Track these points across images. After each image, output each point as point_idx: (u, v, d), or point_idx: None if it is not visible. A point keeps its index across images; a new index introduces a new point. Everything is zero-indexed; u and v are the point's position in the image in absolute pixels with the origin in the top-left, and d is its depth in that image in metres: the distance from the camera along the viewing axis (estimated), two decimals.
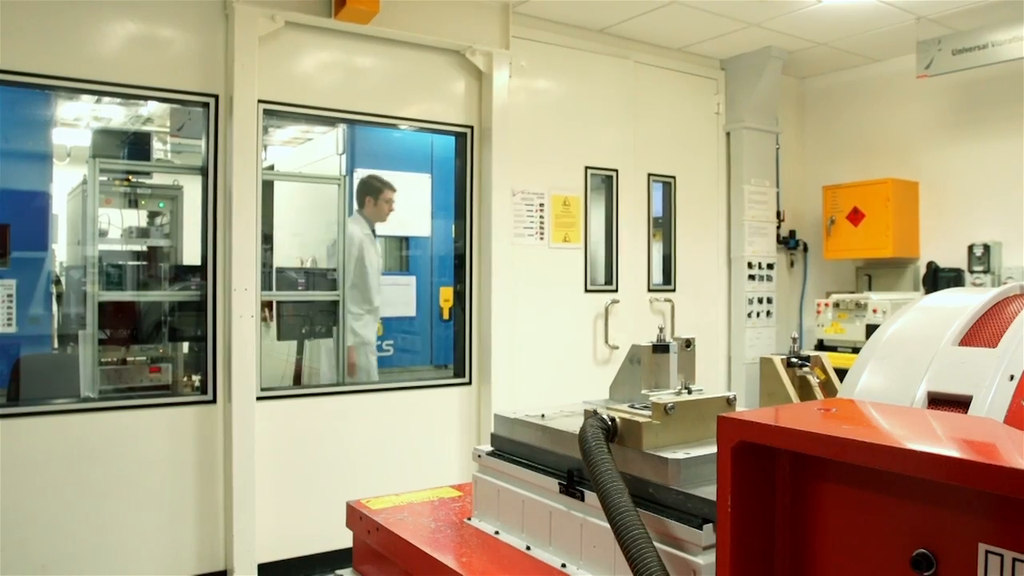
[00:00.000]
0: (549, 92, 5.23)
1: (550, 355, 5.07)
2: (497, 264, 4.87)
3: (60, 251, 5.30)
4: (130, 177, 4.69)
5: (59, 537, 3.72)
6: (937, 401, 1.21)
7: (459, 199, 5.00)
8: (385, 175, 5.18)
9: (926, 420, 1.13)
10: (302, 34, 4.33)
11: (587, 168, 5.40)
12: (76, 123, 5.96)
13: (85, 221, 4.36)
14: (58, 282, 4.90)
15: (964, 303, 1.33)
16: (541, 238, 5.11)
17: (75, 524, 3.76)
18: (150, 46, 3.96)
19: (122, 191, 4.68)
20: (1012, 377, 1.13)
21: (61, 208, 5.47)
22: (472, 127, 4.93)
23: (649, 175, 5.71)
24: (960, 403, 1.17)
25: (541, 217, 5.09)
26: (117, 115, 5.57)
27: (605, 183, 5.52)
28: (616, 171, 5.48)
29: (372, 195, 5.18)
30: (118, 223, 4.76)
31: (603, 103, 5.42)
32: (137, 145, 4.84)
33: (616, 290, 5.44)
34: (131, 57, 3.91)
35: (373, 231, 5.16)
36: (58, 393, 4.01)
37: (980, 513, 0.90)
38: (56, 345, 4.71)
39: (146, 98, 4.22)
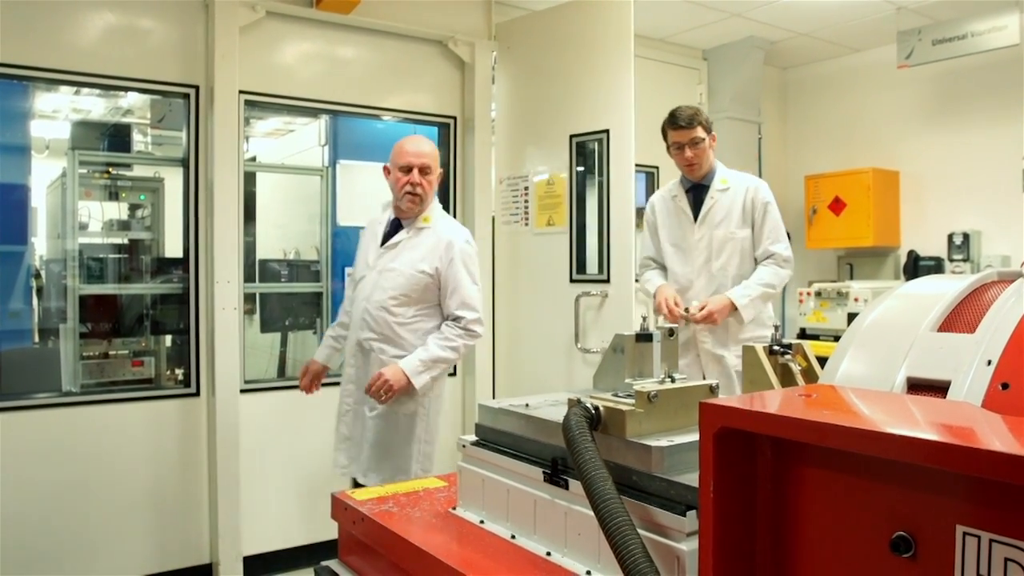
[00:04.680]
0: (530, 70, 4.94)
1: (535, 347, 5.03)
2: (481, 255, 4.86)
3: (40, 244, 5.24)
4: (110, 169, 4.65)
5: (42, 533, 3.70)
6: (916, 386, 1.22)
7: (443, 190, 4.99)
8: (369, 165, 4.97)
9: (905, 405, 1.14)
10: (283, 24, 4.31)
11: (572, 137, 4.66)
12: (55, 115, 5.89)
13: (65, 214, 4.32)
14: (38, 276, 4.85)
15: (943, 290, 1.34)
16: (526, 224, 4.97)
17: (58, 519, 3.74)
18: (130, 36, 3.93)
19: (102, 183, 4.64)
20: (989, 362, 1.14)
21: (40, 201, 5.41)
22: (455, 117, 4.92)
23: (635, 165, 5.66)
24: (939, 388, 1.18)
25: (526, 202, 4.97)
26: (96, 107, 5.52)
27: (594, 155, 4.62)
28: (607, 131, 4.49)
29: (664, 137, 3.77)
30: (98, 216, 4.72)
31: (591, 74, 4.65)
32: (117, 137, 4.80)
33: (608, 280, 4.46)
34: (110, 48, 3.87)
35: (689, 191, 3.72)
36: (39, 388, 3.97)
37: (958, 496, 0.92)
38: (37, 339, 4.66)
39: (126, 89, 4.17)
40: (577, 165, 4.69)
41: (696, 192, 3.71)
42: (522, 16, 5.05)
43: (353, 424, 3.30)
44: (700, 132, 3.58)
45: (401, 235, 3.22)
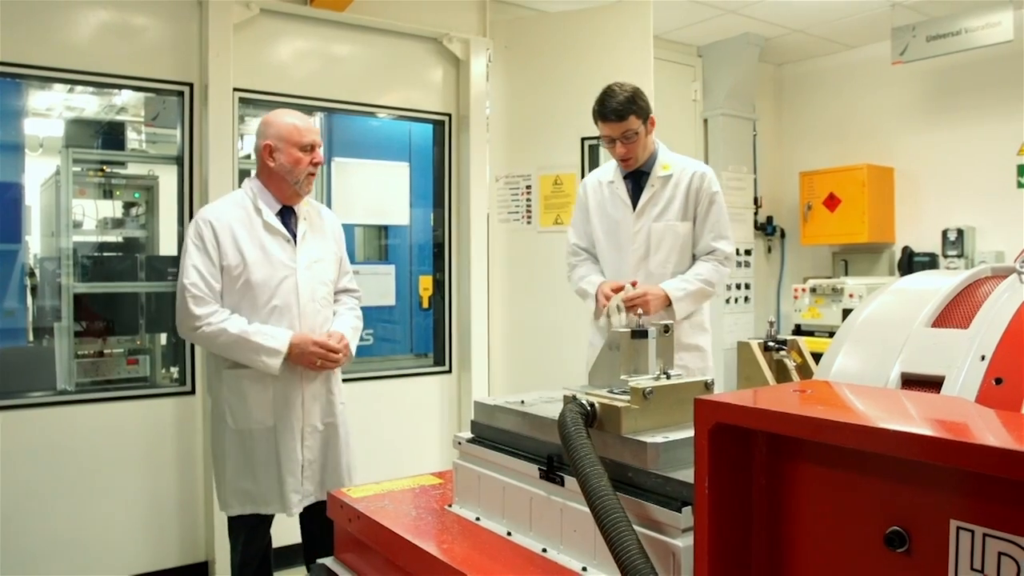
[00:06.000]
0: (535, 70, 5.00)
1: (548, 343, 5.00)
2: (477, 252, 4.87)
3: (34, 243, 5.22)
4: (104, 167, 4.63)
5: (38, 532, 3.69)
6: (910, 382, 1.22)
7: (438, 187, 4.99)
8: (364, 163, 4.99)
9: (899, 400, 1.14)
10: (277, 21, 4.30)
11: (584, 139, 4.77)
12: (48, 113, 5.86)
13: (59, 212, 4.30)
14: (32, 274, 4.83)
15: (937, 285, 1.35)
16: (528, 222, 5.00)
17: (54, 519, 3.73)
18: (123, 34, 3.91)
19: (96, 182, 4.61)
20: (983, 357, 1.15)
21: (34, 199, 5.39)
22: (450, 115, 4.92)
23: None
24: (933, 383, 1.19)
25: (528, 200, 5.00)
26: (90, 105, 5.49)
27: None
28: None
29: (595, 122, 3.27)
30: (92, 214, 4.71)
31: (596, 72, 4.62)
32: (111, 135, 4.77)
33: None
34: (104, 45, 3.86)
35: (627, 177, 3.29)
36: (34, 386, 3.96)
37: (951, 490, 0.92)
38: (31, 338, 4.65)
39: (120, 87, 4.17)
40: (588, 166, 4.75)
41: (635, 178, 3.27)
42: (524, 16, 5.08)
43: (326, 440, 3.02)
44: (634, 123, 3.09)
45: (304, 224, 2.98)
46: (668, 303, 3.06)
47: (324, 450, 3.01)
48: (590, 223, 3.39)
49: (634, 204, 3.23)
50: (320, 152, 2.96)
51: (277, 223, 2.92)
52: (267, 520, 3.05)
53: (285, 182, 2.91)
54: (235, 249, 2.85)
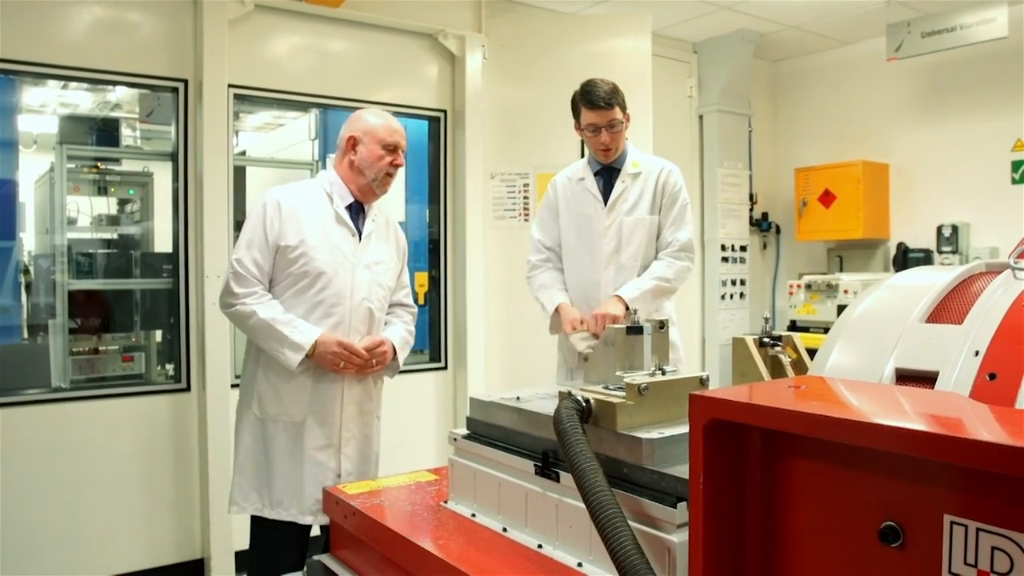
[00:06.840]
0: (531, 67, 5.02)
1: (533, 342, 4.97)
2: (472, 249, 4.87)
3: (28, 240, 5.21)
4: (99, 164, 4.61)
5: (33, 529, 3.68)
6: (905, 377, 1.23)
7: (433, 184, 4.99)
8: None
9: (894, 395, 1.15)
10: (273, 17, 4.29)
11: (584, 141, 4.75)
12: (42, 109, 5.85)
13: (53, 209, 4.29)
14: (26, 271, 4.82)
15: (931, 281, 1.35)
16: (525, 220, 4.97)
17: (49, 516, 3.72)
18: (118, 30, 3.90)
19: (91, 178, 4.60)
20: (977, 353, 1.15)
21: (28, 196, 5.38)
22: (445, 111, 4.92)
23: None
24: (927, 379, 1.19)
25: (525, 198, 5.01)
26: (84, 101, 5.48)
27: None
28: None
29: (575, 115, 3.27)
30: (87, 211, 4.69)
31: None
32: (105, 131, 4.76)
33: None
34: (98, 42, 3.85)
35: (597, 174, 3.29)
36: (29, 384, 3.95)
37: (945, 485, 0.92)
38: (26, 335, 4.64)
39: (114, 83, 4.16)
40: None
41: (605, 175, 3.28)
42: (520, 13, 5.06)
43: (361, 445, 2.85)
44: (618, 113, 3.15)
45: (370, 225, 2.86)
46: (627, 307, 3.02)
47: (357, 458, 2.83)
48: (558, 221, 3.39)
49: (605, 200, 3.24)
50: (402, 156, 2.87)
51: (346, 215, 2.81)
52: (289, 531, 2.77)
53: (363, 176, 2.82)
54: (297, 230, 2.73)
